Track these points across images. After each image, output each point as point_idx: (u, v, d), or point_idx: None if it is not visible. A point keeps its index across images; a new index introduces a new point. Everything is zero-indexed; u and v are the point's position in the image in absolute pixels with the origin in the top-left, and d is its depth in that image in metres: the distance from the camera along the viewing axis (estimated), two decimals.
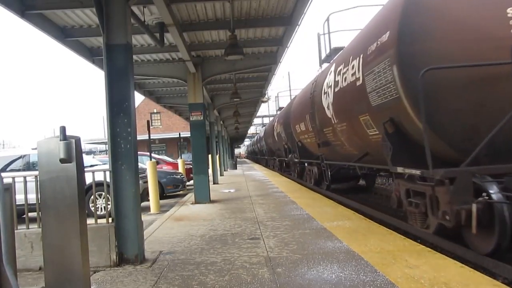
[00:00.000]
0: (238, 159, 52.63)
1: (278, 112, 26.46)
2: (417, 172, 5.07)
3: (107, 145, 5.19)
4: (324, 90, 8.98)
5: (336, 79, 7.86)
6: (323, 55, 11.84)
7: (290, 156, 16.10)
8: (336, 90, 7.90)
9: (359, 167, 8.98)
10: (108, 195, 4.87)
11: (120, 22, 4.64)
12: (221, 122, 23.09)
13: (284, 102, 38.20)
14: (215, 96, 16.28)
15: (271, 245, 4.96)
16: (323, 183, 11.94)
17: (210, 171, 13.92)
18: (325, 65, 11.21)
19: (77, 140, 2.96)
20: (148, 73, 10.61)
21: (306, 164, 14.38)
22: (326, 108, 8.86)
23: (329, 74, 8.64)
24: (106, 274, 4.16)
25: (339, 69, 7.74)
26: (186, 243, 5.43)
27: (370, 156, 7.42)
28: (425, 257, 4.04)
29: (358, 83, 6.49)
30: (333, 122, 8.45)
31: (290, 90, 39.67)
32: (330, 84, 8.42)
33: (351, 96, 7.00)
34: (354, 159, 8.34)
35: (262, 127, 44.95)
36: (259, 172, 22.80)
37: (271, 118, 33.08)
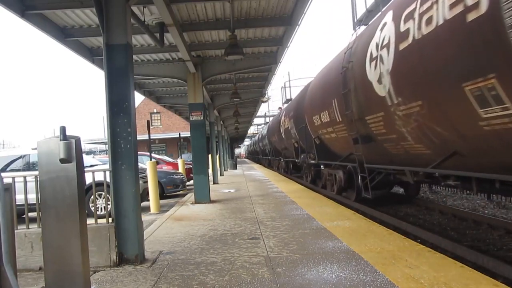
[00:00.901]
0: (238, 159, 52.61)
1: (285, 105, 21.85)
2: None
3: (107, 145, 5.19)
4: (371, 55, 6.25)
5: (402, 30, 5.17)
6: (359, 14, 8.19)
7: (302, 156, 13.36)
8: (401, 47, 5.17)
9: (412, 172, 6.23)
10: (108, 195, 4.87)
11: (120, 22, 4.64)
12: (221, 122, 23.09)
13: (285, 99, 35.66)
14: (215, 96, 16.29)
15: (271, 245, 4.96)
16: (350, 192, 9.52)
17: (210, 171, 13.92)
18: (359, 31, 7.95)
19: (77, 140, 2.96)
20: (148, 73, 10.61)
21: (322, 167, 11.88)
22: (375, 83, 6.11)
23: (381, 30, 6.01)
24: (106, 274, 4.16)
25: (407, 11, 5.06)
26: (186, 243, 5.43)
27: (460, 157, 4.92)
28: (425, 257, 4.04)
29: (472, 16, 3.72)
30: (389, 104, 5.76)
31: (290, 90, 39.61)
32: (385, 43, 5.72)
33: (448, 47, 4.19)
34: (427, 162, 5.61)
35: (265, 124, 43.36)
36: (259, 172, 22.80)
37: (274, 116, 28.90)
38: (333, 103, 8.41)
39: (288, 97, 27.41)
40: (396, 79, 5.48)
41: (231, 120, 25.24)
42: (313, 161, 11.81)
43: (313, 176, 13.22)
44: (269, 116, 46.42)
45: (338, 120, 8.40)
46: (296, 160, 15.13)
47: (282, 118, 17.49)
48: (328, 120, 9.10)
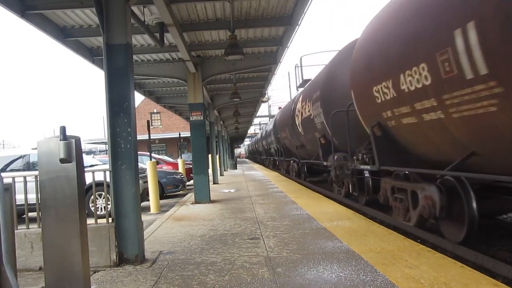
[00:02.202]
0: (238, 159, 52.56)
1: (300, 90, 15.20)
2: None
3: (107, 145, 5.19)
4: None
5: None
6: None
7: (336, 157, 9.13)
8: None
9: None
10: (108, 195, 4.87)
11: (120, 22, 4.64)
12: (221, 122, 23.10)
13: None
14: (215, 96, 16.29)
15: (271, 245, 4.96)
16: (452, 227, 5.16)
17: (210, 171, 13.92)
18: None
19: (77, 140, 2.96)
20: (148, 73, 10.62)
21: (366, 174, 7.75)
22: None
23: None
24: (106, 274, 4.16)
25: None
26: (186, 243, 5.44)
27: None
28: (425, 257, 4.04)
29: None
30: None
31: (290, 90, 39.52)
32: None
33: None
34: None
35: (270, 118, 39.55)
36: (259, 172, 22.80)
37: (284, 106, 20.62)
38: (456, 40, 3.93)
39: (306, 78, 17.22)
40: None
41: (231, 120, 25.24)
42: (367, 166, 7.14)
43: (352, 187, 8.49)
44: (267, 116, 45.96)
45: (468, 77, 3.90)
46: (325, 163, 10.18)
47: (299, 104, 12.60)
48: (426, 83, 4.55)
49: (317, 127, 10.43)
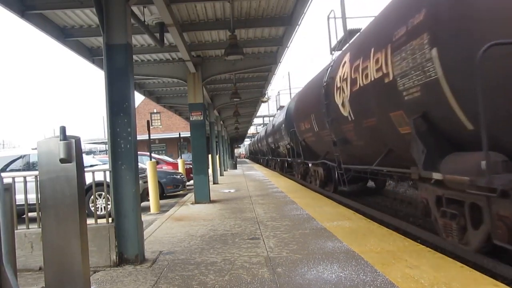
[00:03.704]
0: (238, 159, 52.52)
1: (334, 54, 9.95)
2: None
3: (107, 145, 5.20)
4: None
5: None
6: None
7: (483, 164, 3.56)
8: None
9: None
10: (108, 195, 4.87)
11: (120, 22, 4.64)
12: (221, 122, 23.10)
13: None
14: (215, 96, 16.29)
15: (271, 245, 4.96)
16: None
17: (210, 171, 13.91)
18: None
19: (77, 140, 2.96)
20: (148, 73, 10.62)
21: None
22: None
23: None
24: (106, 274, 4.16)
25: None
26: (186, 243, 5.44)
27: None
28: (425, 257, 4.04)
29: None
30: None
31: (290, 90, 39.43)
32: None
33: None
34: None
35: (278, 109, 31.92)
36: (259, 172, 22.79)
37: (304, 87, 13.59)
38: None
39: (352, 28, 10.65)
40: None
41: (231, 120, 25.25)
42: None
43: None
44: (267, 116, 45.56)
45: None
46: (435, 176, 4.61)
47: (344, 70, 7.48)
48: None
49: (404, 97, 5.09)
